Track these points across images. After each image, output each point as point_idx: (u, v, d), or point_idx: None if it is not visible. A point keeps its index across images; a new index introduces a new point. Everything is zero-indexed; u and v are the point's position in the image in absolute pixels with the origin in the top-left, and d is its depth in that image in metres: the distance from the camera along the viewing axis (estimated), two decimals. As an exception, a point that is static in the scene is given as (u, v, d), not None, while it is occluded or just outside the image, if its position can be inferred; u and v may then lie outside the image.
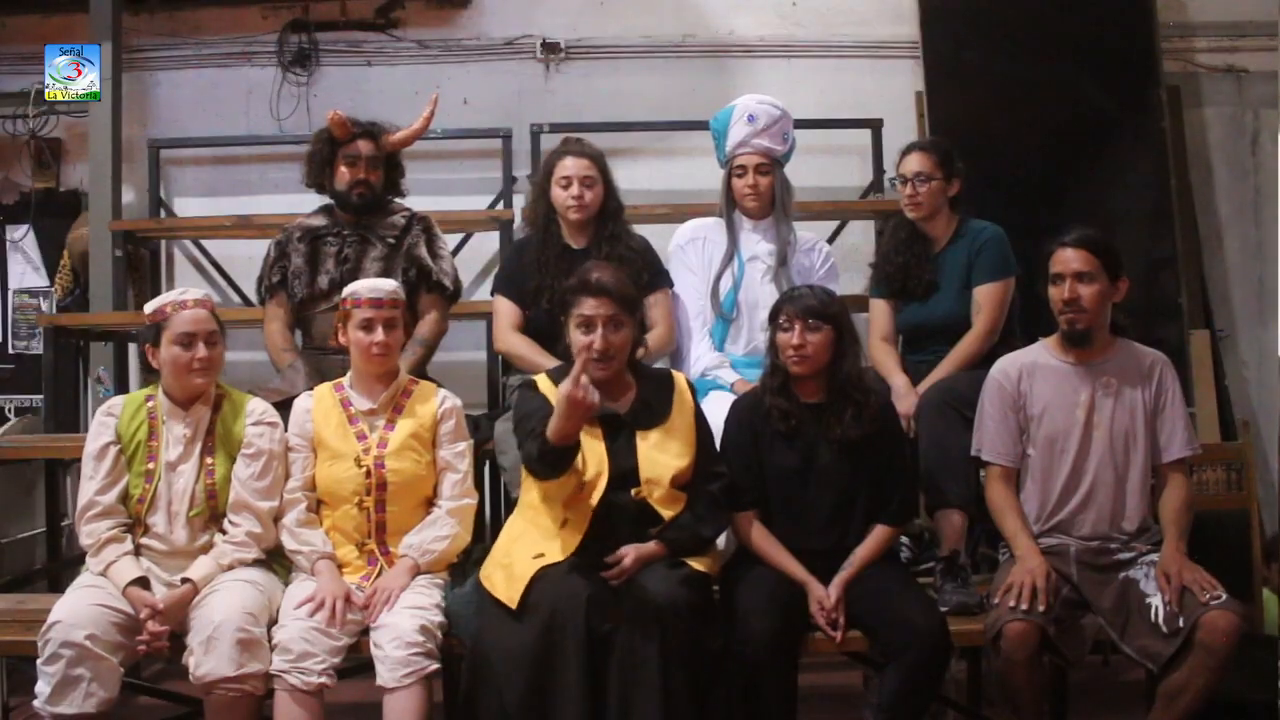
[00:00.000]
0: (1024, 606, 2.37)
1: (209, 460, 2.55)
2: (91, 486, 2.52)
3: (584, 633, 2.22)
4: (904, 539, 2.92)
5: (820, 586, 2.47)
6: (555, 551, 2.39)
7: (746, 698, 2.33)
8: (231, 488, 2.54)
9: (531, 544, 2.43)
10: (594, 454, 2.44)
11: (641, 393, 2.54)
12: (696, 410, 2.57)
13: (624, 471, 2.43)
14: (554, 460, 2.33)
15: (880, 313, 3.17)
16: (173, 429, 2.56)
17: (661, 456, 2.46)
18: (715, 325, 3.11)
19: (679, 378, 2.62)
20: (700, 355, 3.07)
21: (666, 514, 2.44)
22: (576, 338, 2.45)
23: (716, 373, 3.03)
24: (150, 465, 2.53)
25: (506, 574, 2.39)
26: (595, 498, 2.41)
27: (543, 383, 2.55)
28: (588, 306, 2.44)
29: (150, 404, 2.59)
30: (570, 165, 3.06)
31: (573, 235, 3.10)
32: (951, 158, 3.09)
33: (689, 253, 3.17)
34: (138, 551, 2.51)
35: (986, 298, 3.02)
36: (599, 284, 2.45)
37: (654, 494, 2.44)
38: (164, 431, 2.56)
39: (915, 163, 3.07)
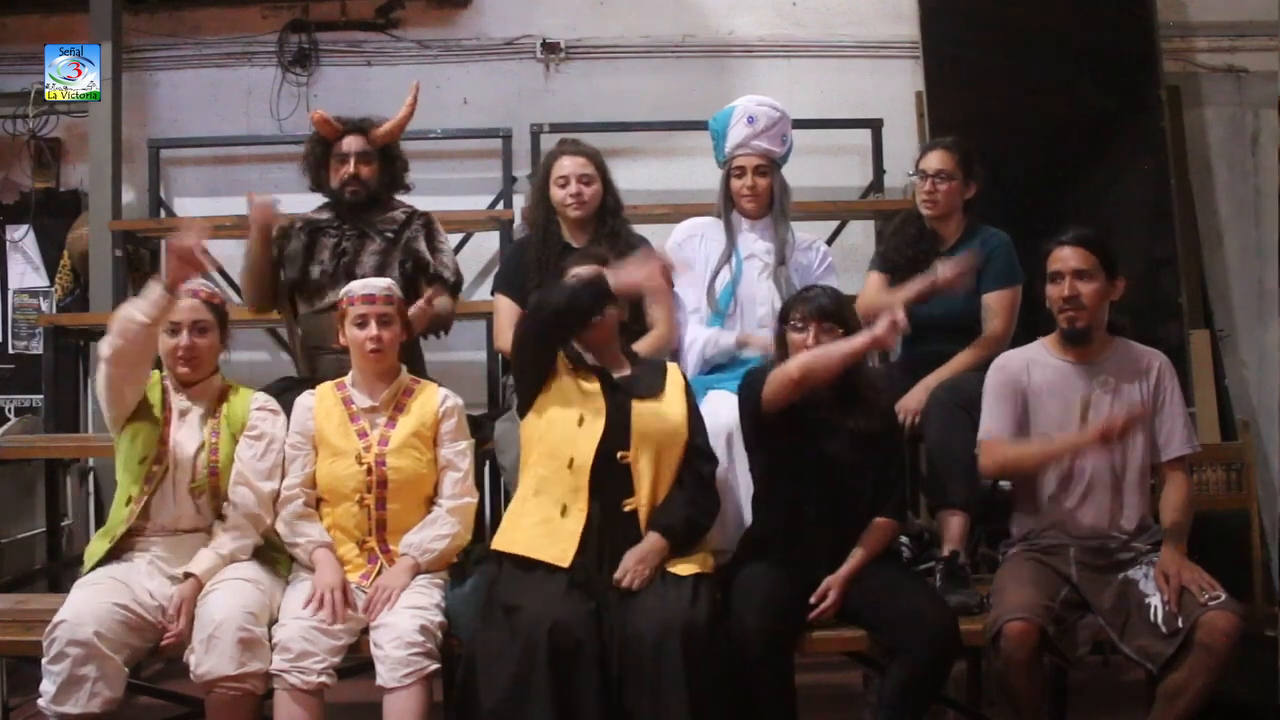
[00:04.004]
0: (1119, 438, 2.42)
1: (213, 439, 2.57)
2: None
3: (547, 659, 2.20)
4: (904, 539, 2.92)
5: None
6: (578, 502, 2.42)
7: (742, 696, 2.32)
8: (234, 468, 2.55)
9: (553, 497, 2.45)
10: (592, 403, 2.48)
11: (636, 369, 2.60)
12: (689, 393, 2.60)
13: (618, 430, 2.46)
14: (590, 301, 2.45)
15: (875, 283, 3.16)
16: (178, 403, 2.61)
17: (656, 420, 2.50)
18: (710, 321, 3.11)
19: (672, 365, 2.68)
20: (695, 337, 3.06)
21: (646, 483, 2.44)
22: (555, 193, 2.66)
23: (716, 344, 3.01)
24: (164, 429, 2.56)
25: (540, 534, 2.42)
26: (591, 452, 2.42)
27: None
28: (564, 166, 2.66)
29: (165, 380, 2.65)
30: (567, 164, 3.07)
31: (573, 233, 3.11)
32: (972, 160, 3.10)
33: (686, 249, 3.17)
34: (137, 534, 2.52)
35: (999, 304, 3.02)
36: (587, 254, 2.64)
37: (640, 459, 2.45)
38: (175, 405, 2.60)
39: (937, 160, 3.08)
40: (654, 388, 2.56)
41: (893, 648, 2.41)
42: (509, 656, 2.24)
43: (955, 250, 3.10)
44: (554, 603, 2.29)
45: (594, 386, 2.51)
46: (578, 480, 2.43)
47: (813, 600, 2.45)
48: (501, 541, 2.47)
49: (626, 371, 2.59)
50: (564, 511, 2.43)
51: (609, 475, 2.45)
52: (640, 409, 2.50)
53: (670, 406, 2.54)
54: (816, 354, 2.45)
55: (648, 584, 2.36)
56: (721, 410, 2.77)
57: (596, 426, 2.45)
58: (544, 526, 2.43)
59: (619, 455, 2.45)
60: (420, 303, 3.00)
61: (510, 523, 2.50)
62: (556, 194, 3.08)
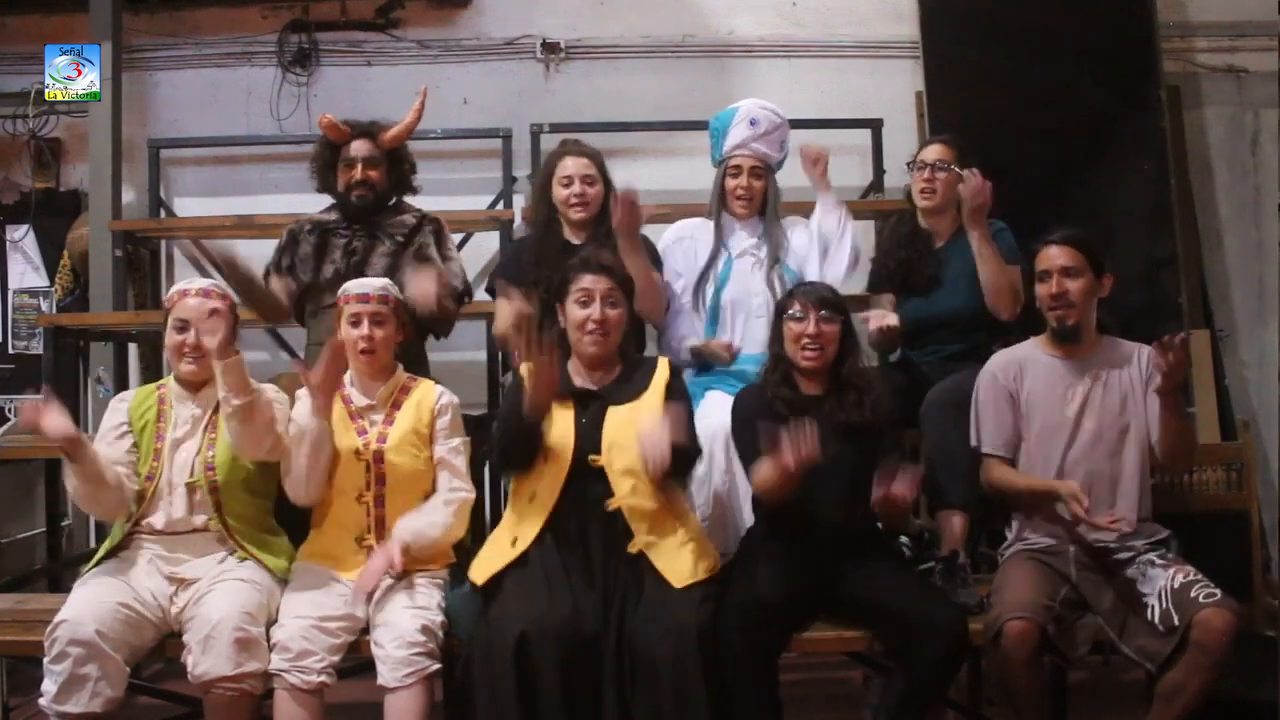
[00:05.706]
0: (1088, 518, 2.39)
1: (212, 435, 2.57)
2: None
3: (514, 672, 2.23)
4: (904, 539, 2.92)
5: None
6: (529, 532, 2.44)
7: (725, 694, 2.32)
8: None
9: (509, 528, 2.50)
10: (562, 427, 2.49)
11: (623, 373, 2.60)
12: (672, 387, 2.59)
13: (591, 444, 2.47)
14: (519, 436, 2.44)
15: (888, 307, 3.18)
16: (181, 411, 2.60)
17: (629, 424, 2.48)
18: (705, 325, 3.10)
19: (664, 362, 2.66)
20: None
21: (624, 487, 2.44)
22: (574, 312, 2.54)
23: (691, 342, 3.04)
24: (158, 444, 2.56)
25: (486, 558, 2.46)
26: (562, 472, 2.45)
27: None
28: (587, 281, 2.54)
29: (161, 390, 2.64)
30: (570, 165, 3.09)
31: (573, 233, 3.12)
32: (969, 156, 3.13)
33: (675, 254, 3.16)
34: (138, 532, 2.53)
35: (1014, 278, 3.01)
36: (599, 262, 2.60)
37: (614, 463, 2.45)
38: (172, 414, 2.59)
39: (935, 151, 3.14)
40: (637, 389, 2.55)
41: (899, 648, 2.40)
42: (492, 662, 2.26)
43: (952, 245, 3.10)
44: (529, 609, 2.29)
45: (568, 414, 2.51)
46: (538, 514, 2.46)
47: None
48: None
49: (614, 375, 2.59)
50: (513, 543, 2.45)
51: (588, 480, 2.45)
52: (615, 415, 2.50)
53: (648, 407, 2.52)
54: None
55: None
56: (719, 412, 2.77)
57: (561, 465, 2.46)
58: (492, 549, 2.49)
59: (590, 459, 2.46)
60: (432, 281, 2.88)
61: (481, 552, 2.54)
62: (560, 193, 3.09)
